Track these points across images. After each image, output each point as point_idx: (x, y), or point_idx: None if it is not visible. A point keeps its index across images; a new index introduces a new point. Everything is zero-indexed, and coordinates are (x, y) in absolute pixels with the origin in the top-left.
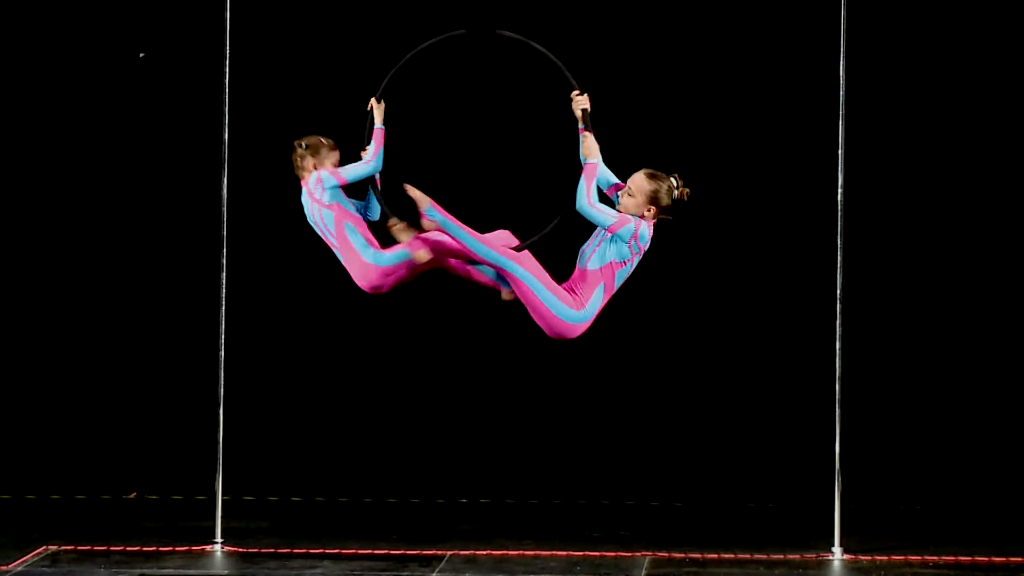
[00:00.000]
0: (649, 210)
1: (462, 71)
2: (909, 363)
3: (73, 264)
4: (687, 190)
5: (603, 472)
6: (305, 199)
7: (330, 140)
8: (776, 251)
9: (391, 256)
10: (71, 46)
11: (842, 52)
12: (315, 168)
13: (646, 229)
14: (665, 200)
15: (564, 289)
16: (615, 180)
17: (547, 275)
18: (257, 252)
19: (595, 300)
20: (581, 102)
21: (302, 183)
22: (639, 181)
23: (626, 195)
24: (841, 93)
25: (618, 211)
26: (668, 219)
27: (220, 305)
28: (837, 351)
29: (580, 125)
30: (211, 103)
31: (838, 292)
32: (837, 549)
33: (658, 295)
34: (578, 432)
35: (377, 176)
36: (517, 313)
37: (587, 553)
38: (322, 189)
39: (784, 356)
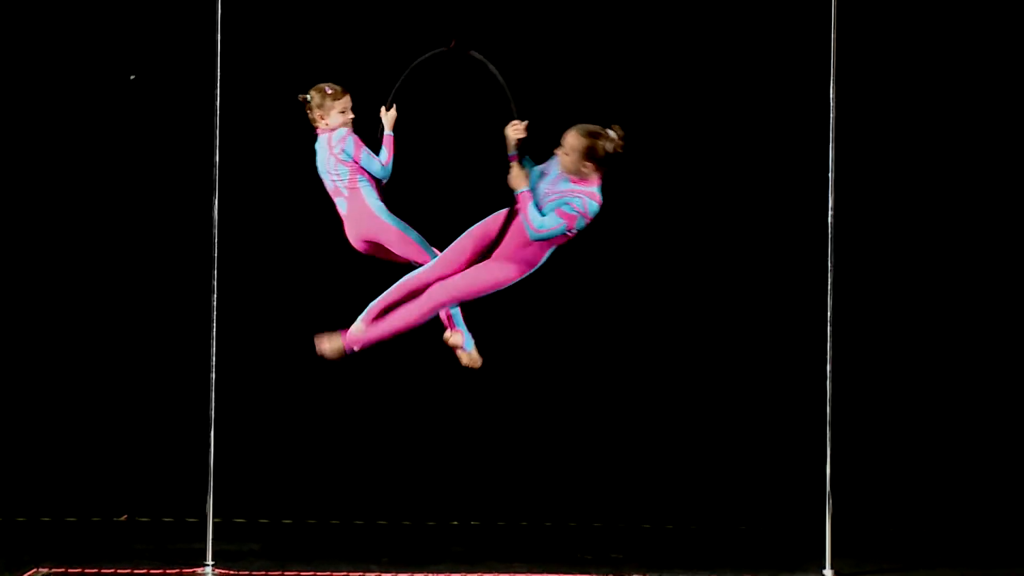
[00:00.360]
0: (586, 166)
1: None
2: (901, 383)
3: (63, 285)
4: (621, 142)
5: (595, 494)
6: (321, 148)
7: (335, 87)
8: (767, 266)
9: (399, 222)
10: (70, 48)
11: (832, 50)
12: (322, 118)
13: (593, 203)
14: (600, 154)
15: (500, 260)
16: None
17: (470, 265)
18: (250, 272)
19: (538, 258)
20: (518, 131)
21: (317, 131)
22: (571, 139)
23: (563, 154)
24: (831, 93)
25: (569, 183)
26: (603, 170)
27: (211, 327)
28: (827, 372)
29: (510, 152)
30: (202, 105)
31: (828, 314)
32: (829, 571)
33: (649, 316)
34: (569, 454)
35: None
36: (510, 335)
37: None
38: (341, 148)
39: (774, 377)
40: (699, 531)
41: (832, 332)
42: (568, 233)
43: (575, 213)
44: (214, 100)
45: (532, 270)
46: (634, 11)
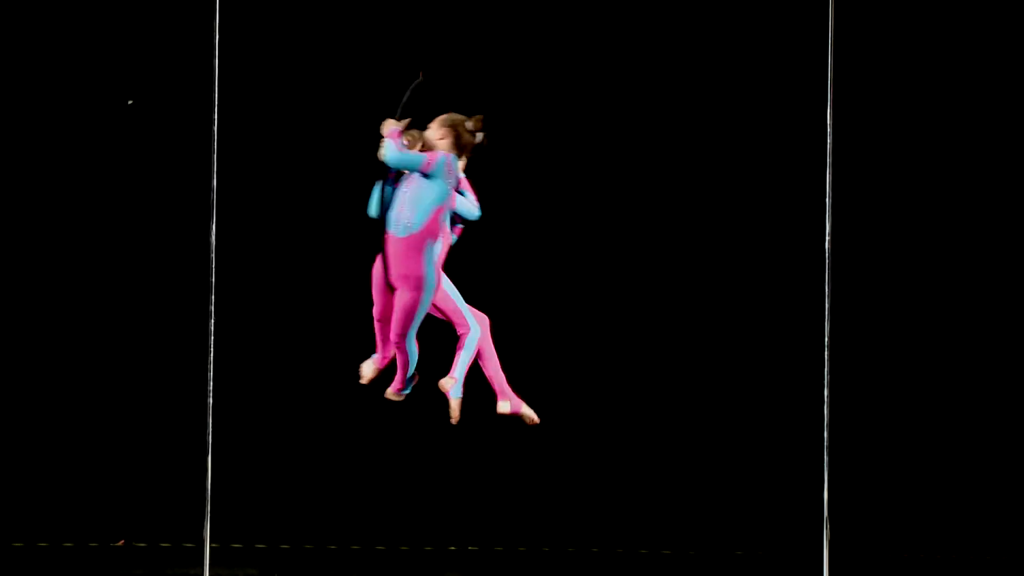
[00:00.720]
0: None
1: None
2: (900, 409)
3: (61, 306)
4: (482, 133)
5: (593, 519)
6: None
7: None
8: (763, 286)
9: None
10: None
11: (830, 49)
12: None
13: (456, 161)
14: (464, 143)
15: (397, 288)
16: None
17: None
18: (247, 296)
19: (419, 273)
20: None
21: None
22: (430, 131)
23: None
24: (829, 94)
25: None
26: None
27: (208, 352)
28: (825, 398)
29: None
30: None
31: (826, 340)
32: None
33: (646, 334)
34: (568, 479)
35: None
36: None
37: None
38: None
39: (772, 402)
40: (697, 556)
41: (830, 360)
42: (425, 173)
43: (436, 157)
44: (213, 101)
45: (428, 285)
46: (634, 11)
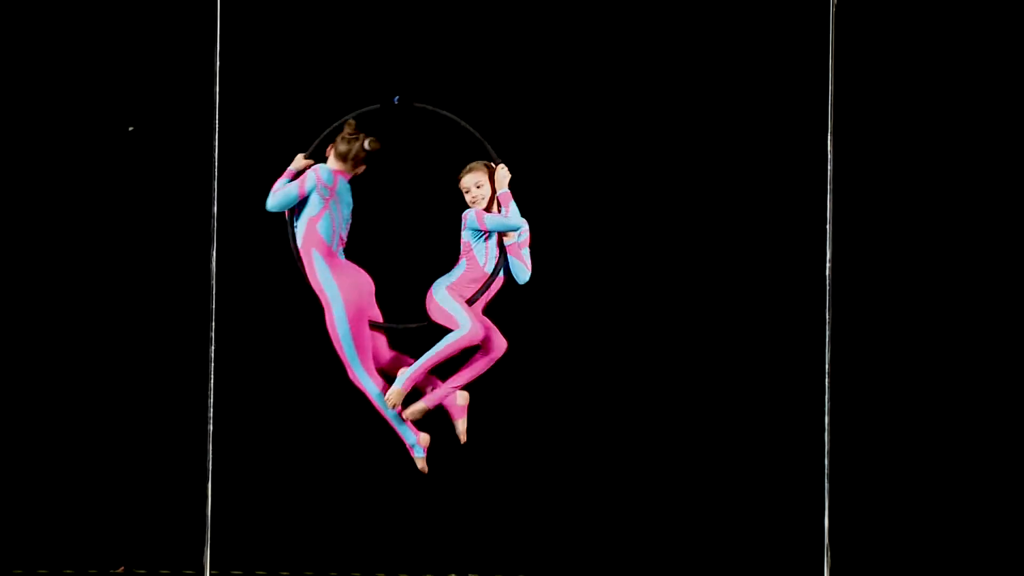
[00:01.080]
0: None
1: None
2: (900, 436)
3: (54, 328)
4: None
5: (591, 549)
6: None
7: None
8: (763, 288)
9: None
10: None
11: (831, 47)
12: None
13: (326, 173)
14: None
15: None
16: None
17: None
18: (247, 320)
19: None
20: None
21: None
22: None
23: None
24: (830, 91)
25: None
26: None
27: (208, 378)
28: (826, 425)
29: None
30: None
31: (826, 368)
32: None
33: (644, 340)
34: (560, 508)
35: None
36: (500, 389)
37: None
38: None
39: (771, 429)
40: None
41: (830, 387)
42: (305, 196)
43: (304, 176)
44: (214, 103)
45: (332, 302)
46: (634, 11)
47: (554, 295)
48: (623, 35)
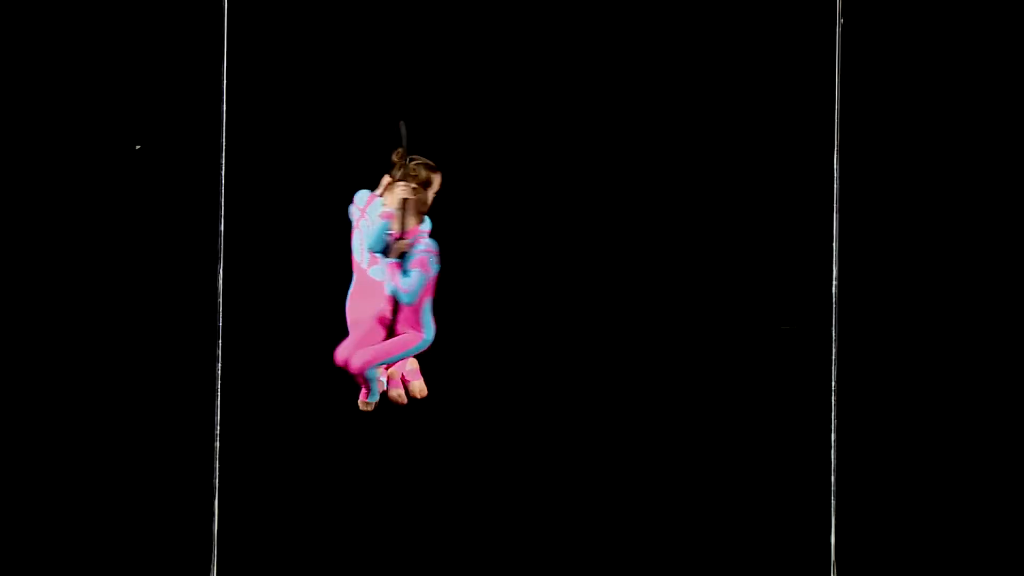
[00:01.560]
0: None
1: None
2: (906, 449)
3: (59, 341)
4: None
5: (591, 565)
6: None
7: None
8: (765, 290)
9: None
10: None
11: (838, 45)
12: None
13: None
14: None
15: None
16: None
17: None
18: (251, 343)
19: None
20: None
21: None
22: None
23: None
24: (836, 90)
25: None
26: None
27: (215, 398)
28: (832, 441)
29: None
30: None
31: (833, 384)
32: None
33: (643, 343)
34: (560, 522)
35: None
36: (499, 403)
37: None
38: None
39: (777, 442)
40: None
41: (837, 404)
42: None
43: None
44: (221, 104)
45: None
46: (634, 12)
47: (563, 296)
48: (625, 34)
